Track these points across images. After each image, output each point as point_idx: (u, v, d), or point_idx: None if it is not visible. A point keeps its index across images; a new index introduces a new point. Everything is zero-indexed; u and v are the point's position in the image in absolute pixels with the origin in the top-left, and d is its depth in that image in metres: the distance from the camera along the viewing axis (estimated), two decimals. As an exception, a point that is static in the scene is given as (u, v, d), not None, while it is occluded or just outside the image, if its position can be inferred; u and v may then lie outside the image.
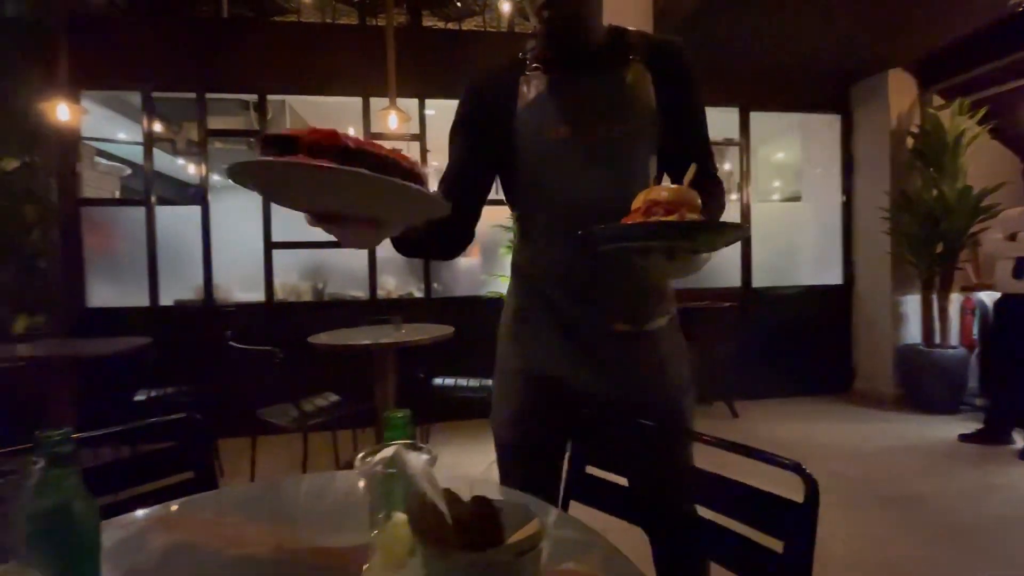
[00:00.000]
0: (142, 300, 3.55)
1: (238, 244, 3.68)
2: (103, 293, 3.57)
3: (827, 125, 4.44)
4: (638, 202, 0.67)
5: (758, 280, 4.29)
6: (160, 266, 3.59)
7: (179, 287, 3.64)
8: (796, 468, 0.72)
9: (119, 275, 3.60)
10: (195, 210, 3.65)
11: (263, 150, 0.52)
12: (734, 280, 4.27)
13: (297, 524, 0.71)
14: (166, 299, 3.60)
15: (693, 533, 0.87)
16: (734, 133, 4.24)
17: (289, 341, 2.55)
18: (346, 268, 3.95)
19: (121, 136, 4.36)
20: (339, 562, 0.61)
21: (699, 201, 0.67)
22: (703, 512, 0.83)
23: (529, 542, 0.43)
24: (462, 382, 3.25)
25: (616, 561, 0.60)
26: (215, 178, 3.89)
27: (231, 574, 0.60)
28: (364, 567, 0.41)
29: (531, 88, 0.90)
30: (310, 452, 2.51)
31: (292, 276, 3.90)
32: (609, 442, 0.97)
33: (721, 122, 4.30)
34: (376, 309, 3.69)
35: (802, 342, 4.27)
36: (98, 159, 4.18)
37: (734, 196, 4.33)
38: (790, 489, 0.73)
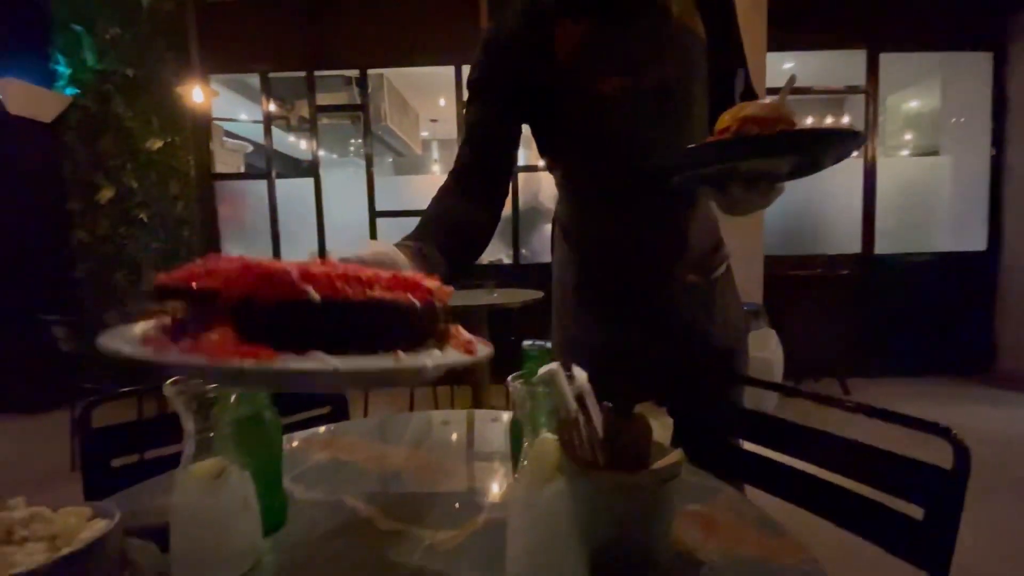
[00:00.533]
0: (265, 264, 3.96)
1: (347, 213, 3.97)
2: (234, 258, 4.02)
3: (975, 65, 3.80)
4: (724, 122, 0.62)
5: (881, 246, 3.86)
6: (281, 234, 3.97)
7: (298, 253, 4.01)
8: (943, 432, 0.66)
9: (248, 243, 4.04)
10: (308, 182, 3.97)
11: (157, 311, 0.31)
12: (852, 246, 3.87)
13: (423, 446, 0.79)
14: (285, 263, 3.99)
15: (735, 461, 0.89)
16: (859, 79, 3.77)
17: (392, 302, 2.73)
18: (440, 235, 4.11)
19: (243, 116, 4.80)
20: (472, 483, 0.67)
21: (794, 118, 0.61)
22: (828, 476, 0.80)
23: (672, 470, 0.44)
24: (549, 345, 3.29)
25: (744, 506, 0.59)
26: (322, 153, 4.18)
27: (379, 483, 0.69)
28: (513, 477, 0.44)
29: (569, 37, 0.80)
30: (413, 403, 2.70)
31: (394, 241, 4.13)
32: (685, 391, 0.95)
33: (843, 67, 3.84)
34: (468, 273, 3.83)
35: (932, 316, 3.81)
36: (225, 138, 4.65)
37: (855, 152, 3.88)
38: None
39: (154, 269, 3.70)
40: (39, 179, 3.55)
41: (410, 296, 0.31)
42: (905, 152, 5.22)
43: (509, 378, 0.45)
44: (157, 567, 0.44)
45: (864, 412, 0.76)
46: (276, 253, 3.98)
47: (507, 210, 4.30)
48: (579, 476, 0.43)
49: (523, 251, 4.13)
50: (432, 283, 0.37)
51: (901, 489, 0.69)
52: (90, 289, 3.59)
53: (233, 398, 0.50)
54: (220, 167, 4.12)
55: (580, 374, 0.42)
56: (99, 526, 0.42)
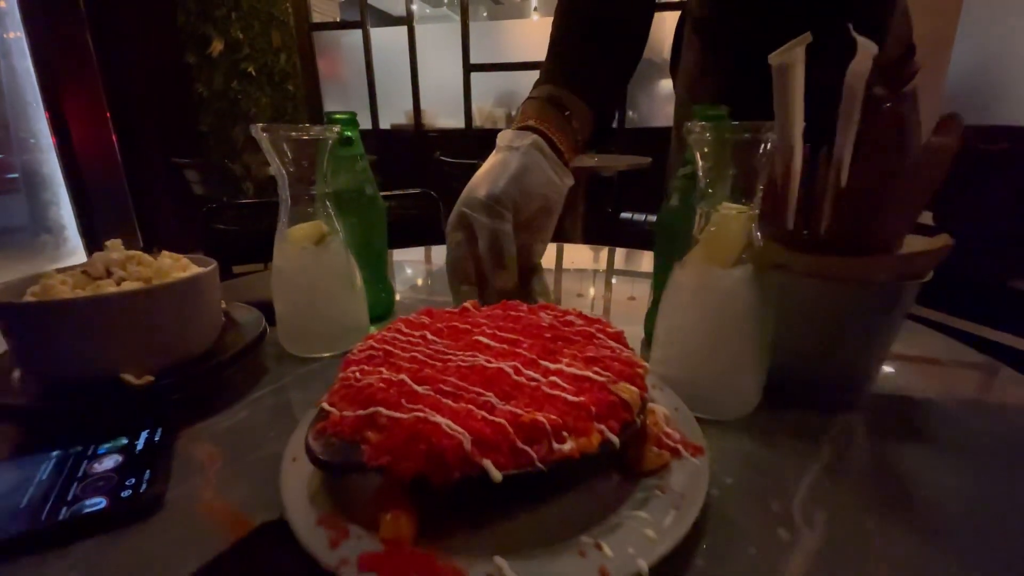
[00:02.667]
0: (365, 124, 3.95)
1: (440, 67, 3.74)
2: (336, 116, 4.06)
3: None
4: None
5: (1107, 112, 2.96)
6: (377, 91, 3.88)
7: (393, 113, 3.93)
8: None
9: (347, 100, 4.01)
10: (402, 32, 3.74)
11: None
12: (1061, 112, 3.02)
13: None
14: (384, 123, 3.94)
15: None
16: None
17: (489, 161, 2.61)
18: (539, 95, 3.78)
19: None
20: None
21: None
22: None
23: (927, 262, 0.30)
24: (652, 218, 3.07)
25: (960, 350, 0.45)
26: (415, 7, 3.86)
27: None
28: (681, 259, 0.32)
29: None
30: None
31: (488, 101, 3.89)
32: None
33: None
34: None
35: None
36: (320, -16, 4.43)
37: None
38: None
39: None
40: (157, 32, 3.66)
41: (606, 432, 0.23)
42: None
43: (687, 124, 0.31)
44: (258, 328, 0.40)
45: None
46: (373, 114, 3.93)
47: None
48: (781, 260, 0.30)
49: (630, 114, 3.72)
50: (628, 391, 0.25)
51: None
52: (214, 141, 3.82)
53: (325, 159, 0.42)
54: (316, 16, 3.98)
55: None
56: (195, 270, 0.37)
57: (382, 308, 0.52)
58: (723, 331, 0.32)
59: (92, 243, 3.64)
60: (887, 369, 0.40)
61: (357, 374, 0.26)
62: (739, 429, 0.32)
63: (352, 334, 0.44)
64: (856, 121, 0.27)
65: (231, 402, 0.36)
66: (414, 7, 3.86)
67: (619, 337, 0.30)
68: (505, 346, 0.28)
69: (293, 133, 0.39)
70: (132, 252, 0.38)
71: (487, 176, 0.45)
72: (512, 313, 0.33)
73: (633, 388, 0.25)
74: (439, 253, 0.83)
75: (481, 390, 0.24)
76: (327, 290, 0.42)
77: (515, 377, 0.25)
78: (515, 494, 0.23)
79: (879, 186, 0.27)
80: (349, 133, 0.47)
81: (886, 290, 0.30)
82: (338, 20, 4.16)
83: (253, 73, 3.78)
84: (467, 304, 0.35)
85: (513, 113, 3.95)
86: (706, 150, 0.30)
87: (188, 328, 0.35)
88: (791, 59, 0.25)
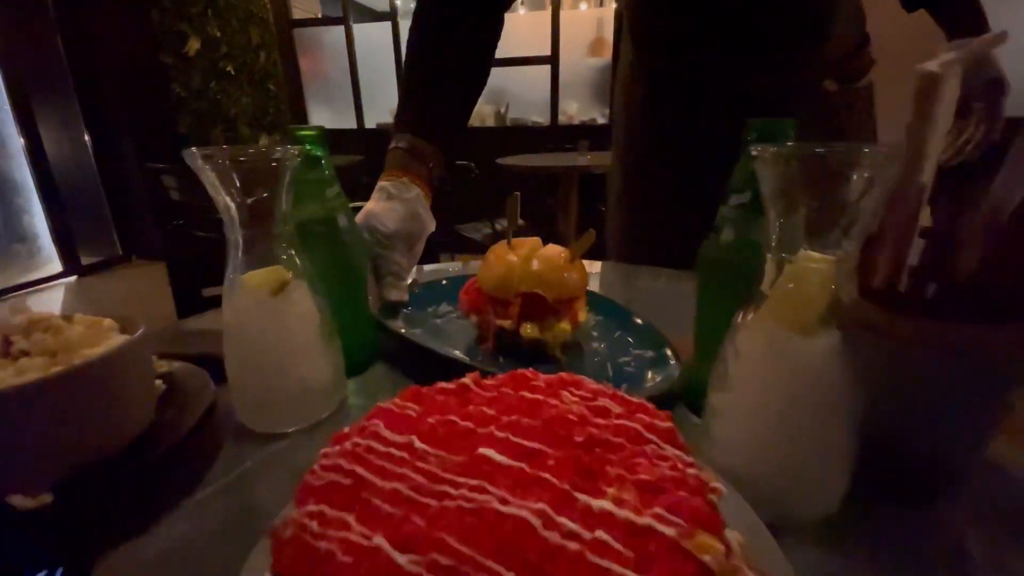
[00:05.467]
0: (351, 123, 3.84)
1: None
2: (321, 115, 3.93)
3: None
4: None
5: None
6: (362, 89, 3.77)
7: (378, 111, 3.82)
8: None
9: (331, 99, 3.89)
10: (386, 28, 3.64)
11: None
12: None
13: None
14: (369, 122, 3.84)
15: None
16: None
17: (478, 163, 2.51)
18: (528, 91, 3.69)
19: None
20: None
21: None
22: None
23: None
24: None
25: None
26: (399, 2, 3.75)
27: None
28: (738, 319, 0.25)
29: None
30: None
31: (476, 98, 3.80)
32: None
33: None
34: (558, 135, 3.47)
35: None
36: (300, -21, 4.29)
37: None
38: None
39: (247, 126, 3.72)
40: (131, 30, 3.53)
41: None
42: None
43: (753, 147, 0.24)
44: (204, 401, 0.32)
45: None
46: (359, 112, 3.83)
47: (603, 59, 3.73)
48: (879, 324, 0.23)
49: (621, 109, 3.64)
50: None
51: None
52: (193, 143, 3.69)
53: (288, 179, 0.34)
54: (296, 12, 3.85)
55: None
56: (116, 342, 0.29)
57: (366, 351, 0.44)
58: (801, 414, 0.24)
59: (67, 252, 3.50)
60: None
61: (315, 525, 0.18)
62: (821, 539, 0.25)
63: (324, 399, 0.36)
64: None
65: (166, 511, 0.28)
66: (398, 1, 3.75)
67: (672, 435, 0.23)
68: (523, 465, 0.20)
69: (243, 158, 0.31)
70: (40, 315, 0.30)
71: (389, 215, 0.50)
72: (527, 396, 0.25)
73: (716, 543, 0.17)
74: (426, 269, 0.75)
75: (494, 564, 0.16)
76: (290, 350, 0.33)
77: (543, 532, 0.17)
78: None
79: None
80: (317, 152, 0.39)
81: (1018, 366, 0.23)
82: (319, 16, 4.03)
83: (232, 72, 3.65)
84: (467, 380, 0.27)
85: (502, 111, 3.86)
86: (777, 181, 0.23)
87: (104, 421, 0.27)
88: (943, 69, 0.18)
